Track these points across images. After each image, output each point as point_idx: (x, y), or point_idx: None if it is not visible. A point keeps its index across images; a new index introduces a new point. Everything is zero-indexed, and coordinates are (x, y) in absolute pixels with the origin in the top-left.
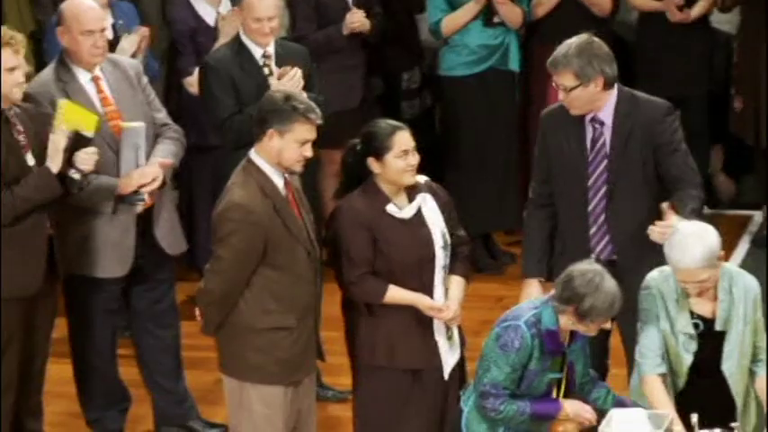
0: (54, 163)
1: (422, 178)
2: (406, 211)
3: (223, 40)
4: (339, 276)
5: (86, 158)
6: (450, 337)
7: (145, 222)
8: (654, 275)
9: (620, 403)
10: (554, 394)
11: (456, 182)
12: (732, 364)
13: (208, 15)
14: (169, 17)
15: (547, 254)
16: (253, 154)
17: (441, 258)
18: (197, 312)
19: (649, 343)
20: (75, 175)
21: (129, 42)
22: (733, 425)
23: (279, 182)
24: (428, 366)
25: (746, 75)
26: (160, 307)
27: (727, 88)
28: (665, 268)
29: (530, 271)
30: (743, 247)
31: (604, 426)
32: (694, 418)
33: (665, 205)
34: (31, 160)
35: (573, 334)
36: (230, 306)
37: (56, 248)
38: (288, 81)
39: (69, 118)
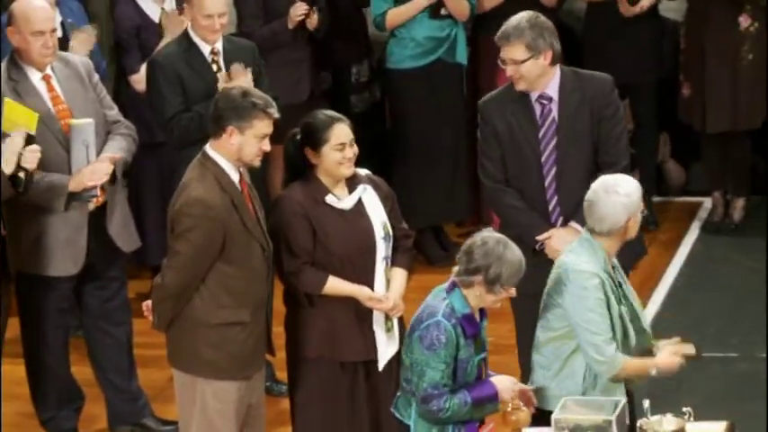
0: (8, 166)
1: (362, 171)
2: (346, 202)
3: (168, 37)
4: (279, 267)
5: (30, 157)
6: (389, 329)
7: (97, 220)
8: (580, 262)
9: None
10: (484, 374)
11: (406, 175)
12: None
13: (152, 12)
14: (114, 15)
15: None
16: (209, 149)
17: (381, 250)
18: (144, 308)
19: (605, 334)
20: (20, 174)
21: (80, 41)
22: (684, 410)
23: (235, 177)
24: (366, 358)
25: (693, 61)
26: (112, 305)
27: (676, 75)
28: (582, 254)
29: (543, 227)
30: (693, 234)
31: (558, 413)
32: (646, 403)
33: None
34: None
35: (481, 312)
36: (185, 301)
37: (8, 248)
38: (237, 81)
39: (11, 117)
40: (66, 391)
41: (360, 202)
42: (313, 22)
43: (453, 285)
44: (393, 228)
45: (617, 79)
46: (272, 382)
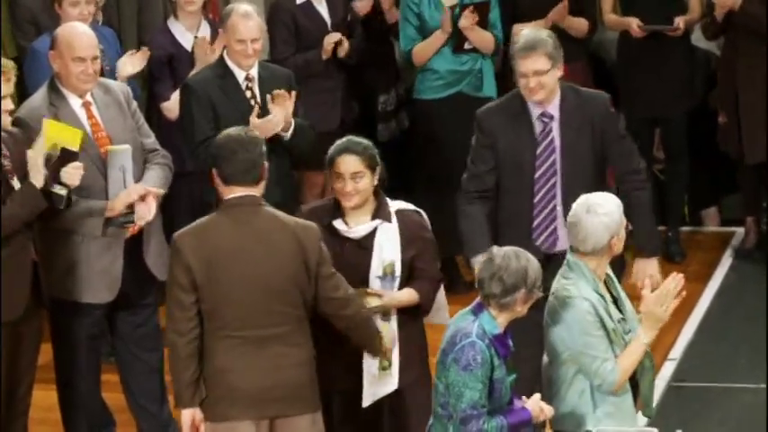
0: (36, 179)
1: (397, 206)
2: (353, 232)
3: (199, 66)
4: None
5: (72, 173)
6: (383, 368)
7: (131, 248)
8: (569, 287)
9: None
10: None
11: (427, 206)
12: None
13: (185, 41)
14: (147, 42)
15: (488, 234)
16: None
17: (376, 287)
18: None
19: (603, 354)
20: (61, 191)
21: (131, 61)
22: None
23: None
24: (351, 387)
25: (727, 92)
26: (143, 331)
27: (707, 105)
28: (570, 278)
29: (480, 247)
30: (726, 263)
31: None
32: None
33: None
34: (17, 184)
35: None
36: None
37: (40, 274)
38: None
39: (53, 135)
40: (98, 417)
41: (371, 235)
42: (344, 49)
43: (480, 307)
44: (416, 268)
45: (648, 111)
46: None
